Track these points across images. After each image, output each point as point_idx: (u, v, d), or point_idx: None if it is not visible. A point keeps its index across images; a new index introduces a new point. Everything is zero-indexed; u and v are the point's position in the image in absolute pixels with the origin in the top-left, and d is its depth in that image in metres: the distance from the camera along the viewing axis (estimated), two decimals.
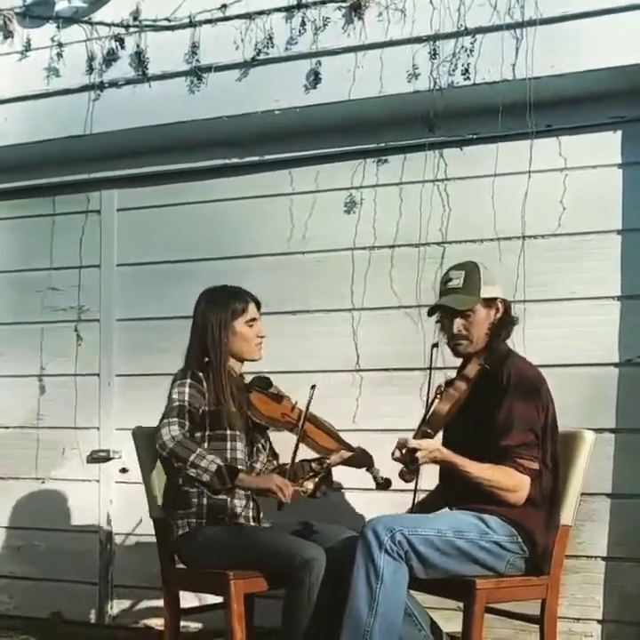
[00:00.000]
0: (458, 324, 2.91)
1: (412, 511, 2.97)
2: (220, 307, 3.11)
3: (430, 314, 3.04)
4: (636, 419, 3.37)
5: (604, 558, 3.40)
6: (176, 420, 2.93)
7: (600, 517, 3.39)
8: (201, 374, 3.06)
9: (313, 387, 2.98)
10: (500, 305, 2.94)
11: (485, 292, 2.91)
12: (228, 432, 3.05)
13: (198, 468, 2.85)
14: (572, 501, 2.94)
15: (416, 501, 3.03)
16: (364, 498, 3.56)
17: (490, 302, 2.92)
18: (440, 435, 2.93)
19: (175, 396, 3.00)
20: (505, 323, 2.95)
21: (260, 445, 3.19)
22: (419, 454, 2.69)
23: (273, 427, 3.16)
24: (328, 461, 3.07)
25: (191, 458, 2.85)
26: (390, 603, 2.62)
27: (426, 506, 3.03)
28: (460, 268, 2.97)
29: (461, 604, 2.75)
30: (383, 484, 3.03)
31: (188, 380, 3.03)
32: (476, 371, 2.90)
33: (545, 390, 2.86)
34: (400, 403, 3.55)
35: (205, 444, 3.00)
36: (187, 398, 2.99)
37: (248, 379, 3.24)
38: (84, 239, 4.26)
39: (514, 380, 2.79)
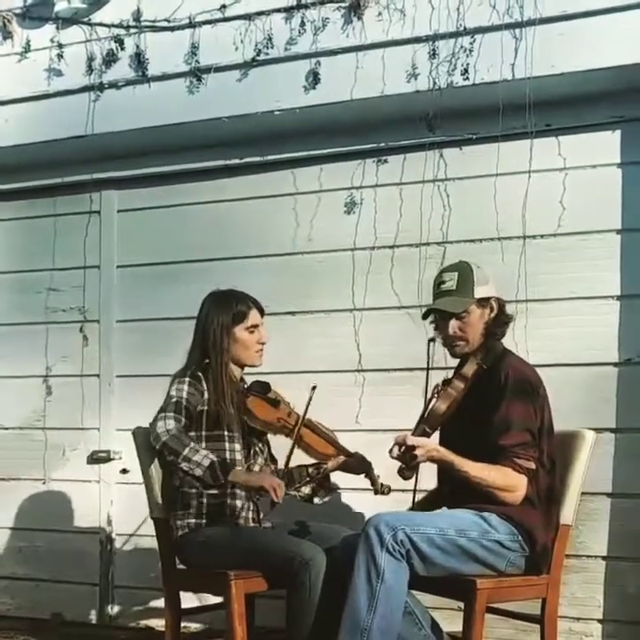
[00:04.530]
0: (453, 325, 2.91)
1: (412, 510, 2.97)
2: (223, 310, 3.12)
3: (425, 317, 3.03)
4: (636, 418, 3.37)
5: (604, 558, 3.40)
6: (172, 414, 2.94)
7: (600, 517, 3.40)
8: (200, 374, 3.07)
9: (313, 388, 2.98)
10: (494, 304, 2.94)
11: (479, 293, 2.91)
12: (226, 433, 3.05)
13: (191, 461, 2.85)
14: (573, 501, 2.94)
15: (415, 501, 3.04)
16: (364, 498, 3.54)
17: (484, 302, 2.92)
18: (437, 433, 2.93)
19: (173, 392, 3.01)
20: (500, 322, 2.95)
21: (257, 448, 3.17)
22: (417, 452, 2.70)
23: (269, 431, 3.15)
24: (325, 467, 3.07)
25: (184, 452, 2.86)
26: (390, 601, 2.62)
27: (425, 506, 3.03)
28: (453, 270, 2.98)
29: (462, 604, 2.75)
30: (382, 491, 3.02)
31: (187, 379, 3.04)
32: (474, 370, 2.90)
33: (542, 390, 2.87)
34: (403, 402, 3.54)
35: (203, 444, 3.00)
36: (184, 395, 3.00)
37: (248, 381, 3.24)
38: (83, 240, 4.26)
39: (511, 381, 2.80)
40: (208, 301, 3.18)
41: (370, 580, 2.61)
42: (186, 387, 3.02)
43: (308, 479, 3.05)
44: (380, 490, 3.03)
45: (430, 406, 2.89)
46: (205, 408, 3.04)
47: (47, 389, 4.30)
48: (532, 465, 2.77)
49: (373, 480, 3.05)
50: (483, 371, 2.90)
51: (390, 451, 2.75)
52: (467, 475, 2.73)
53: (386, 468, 2.98)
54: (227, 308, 3.13)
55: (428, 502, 3.04)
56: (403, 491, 2.97)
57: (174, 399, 2.99)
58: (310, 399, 2.98)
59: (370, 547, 2.63)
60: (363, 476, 3.10)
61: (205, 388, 3.06)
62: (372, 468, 3.08)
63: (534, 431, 2.79)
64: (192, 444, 2.89)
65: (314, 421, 3.11)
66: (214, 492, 2.99)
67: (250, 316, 3.14)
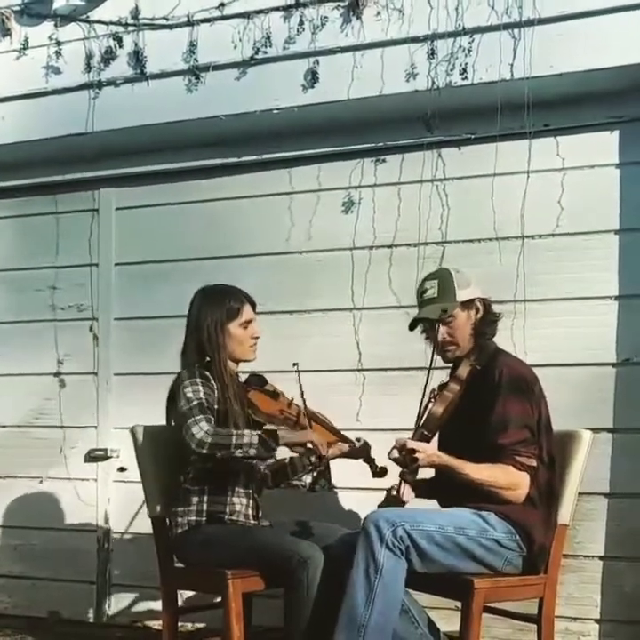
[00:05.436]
0: (441, 331, 2.93)
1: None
2: (215, 307, 3.10)
3: (411, 328, 3.05)
4: (634, 418, 3.37)
5: (601, 557, 3.41)
6: (202, 416, 2.91)
7: (597, 517, 3.40)
8: (207, 373, 3.05)
9: (295, 364, 3.03)
10: (479, 304, 2.96)
11: (461, 296, 2.94)
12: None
13: (242, 446, 2.85)
14: (570, 501, 2.94)
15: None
16: (361, 497, 3.54)
17: (468, 304, 2.95)
18: (436, 437, 2.93)
19: (191, 394, 2.97)
20: (488, 320, 2.97)
21: None
22: (418, 456, 2.70)
23: (272, 424, 3.16)
24: (326, 455, 3.08)
25: (233, 441, 2.85)
26: (388, 597, 2.62)
27: (421, 487, 3.01)
28: (433, 278, 3.01)
29: (459, 604, 2.75)
30: (380, 473, 3.04)
31: (199, 379, 3.01)
32: (468, 371, 2.92)
33: (537, 387, 2.88)
34: (403, 401, 3.52)
35: None
36: (202, 396, 2.97)
37: (242, 377, 3.24)
38: (82, 238, 4.25)
39: (506, 379, 2.81)
40: (199, 298, 3.15)
41: (368, 576, 2.62)
42: (201, 387, 2.99)
43: (310, 468, 3.06)
44: (376, 472, 3.05)
45: (427, 410, 2.89)
46: (216, 407, 3.03)
47: (45, 387, 4.29)
48: (534, 462, 2.77)
49: (371, 463, 3.08)
50: (477, 371, 2.91)
51: (389, 452, 2.76)
52: (469, 477, 2.73)
53: (387, 464, 2.97)
54: (219, 304, 3.10)
55: (428, 485, 3.03)
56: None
57: (195, 402, 2.95)
58: (299, 380, 3.00)
59: (369, 543, 2.63)
60: (361, 460, 3.11)
61: (215, 386, 3.05)
62: (370, 453, 3.10)
63: (533, 428, 2.80)
64: (235, 432, 2.89)
65: (313, 410, 3.12)
66: (219, 497, 3.01)
67: (243, 312, 3.12)
